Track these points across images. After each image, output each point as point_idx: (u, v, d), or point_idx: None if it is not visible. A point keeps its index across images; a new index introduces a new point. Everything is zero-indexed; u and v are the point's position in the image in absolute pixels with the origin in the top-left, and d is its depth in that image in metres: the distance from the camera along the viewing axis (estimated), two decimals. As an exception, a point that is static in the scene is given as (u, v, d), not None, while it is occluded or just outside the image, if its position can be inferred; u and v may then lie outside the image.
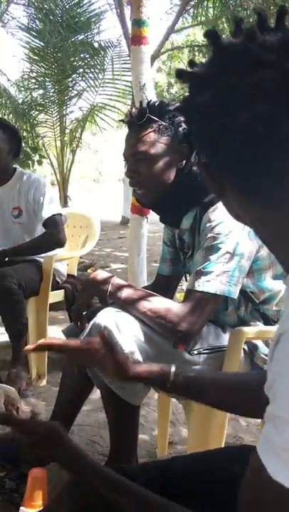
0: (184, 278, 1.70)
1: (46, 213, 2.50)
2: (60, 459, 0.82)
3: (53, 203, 2.55)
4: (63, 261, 2.75)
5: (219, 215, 1.36)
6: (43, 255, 2.57)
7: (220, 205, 1.37)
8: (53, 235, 2.49)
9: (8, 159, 2.55)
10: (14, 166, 2.66)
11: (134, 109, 1.48)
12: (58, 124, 7.56)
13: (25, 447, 0.85)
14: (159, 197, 1.49)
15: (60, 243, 2.51)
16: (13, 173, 2.60)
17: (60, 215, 2.55)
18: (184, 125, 1.44)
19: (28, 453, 0.88)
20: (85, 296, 1.49)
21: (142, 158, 1.44)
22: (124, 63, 6.60)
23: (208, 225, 1.36)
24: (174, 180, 1.46)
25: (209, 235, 1.35)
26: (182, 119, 1.45)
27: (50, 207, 2.51)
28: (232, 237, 1.33)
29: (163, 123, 1.43)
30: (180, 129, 1.44)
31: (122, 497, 0.75)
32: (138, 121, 1.44)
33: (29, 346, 1.13)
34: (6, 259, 2.43)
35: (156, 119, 1.43)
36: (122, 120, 1.52)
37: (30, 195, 2.52)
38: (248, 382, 0.95)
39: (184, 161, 1.46)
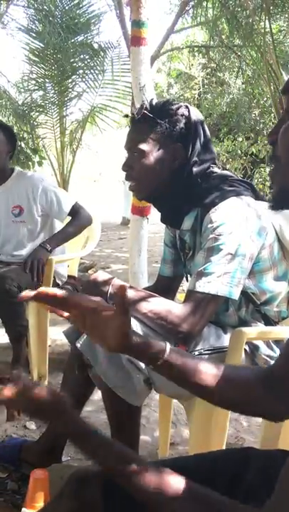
0: (185, 279, 1.70)
1: (66, 208, 2.58)
2: (62, 428, 0.82)
3: (63, 196, 2.62)
4: (64, 262, 2.76)
5: (221, 216, 1.36)
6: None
7: (221, 206, 1.37)
8: (81, 217, 2.61)
9: (6, 160, 2.57)
10: (11, 167, 2.66)
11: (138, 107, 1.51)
12: (58, 125, 7.56)
13: (25, 411, 0.84)
14: (153, 193, 1.52)
15: (90, 221, 2.67)
16: (11, 173, 2.61)
17: (76, 202, 2.65)
18: (181, 124, 1.45)
19: (27, 414, 0.86)
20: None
21: (135, 153, 1.48)
22: (124, 64, 6.60)
23: (209, 225, 1.36)
24: (174, 181, 1.47)
25: (211, 236, 1.34)
26: (181, 118, 1.45)
27: (65, 201, 2.60)
28: (233, 238, 1.33)
29: (159, 121, 1.44)
30: (176, 128, 1.44)
31: (138, 470, 0.72)
32: (136, 117, 1.47)
33: (25, 294, 0.96)
34: (49, 248, 2.48)
35: (152, 116, 1.44)
36: (126, 115, 1.55)
37: (37, 197, 2.54)
38: (245, 377, 0.92)
39: (178, 161, 1.46)
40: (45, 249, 2.47)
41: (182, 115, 1.45)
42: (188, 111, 1.47)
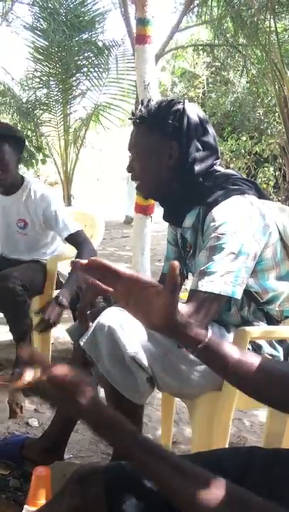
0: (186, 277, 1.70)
1: (70, 228, 2.44)
2: (92, 421, 0.78)
3: (71, 220, 2.50)
4: (67, 261, 2.76)
5: (223, 215, 1.35)
6: (48, 254, 2.58)
7: (224, 204, 1.37)
8: (84, 254, 2.34)
9: (16, 170, 2.49)
10: (22, 175, 2.58)
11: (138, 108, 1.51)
12: (62, 123, 7.57)
13: (50, 398, 0.80)
14: (155, 191, 1.54)
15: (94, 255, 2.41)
16: (22, 183, 2.53)
17: (78, 231, 2.48)
18: (175, 122, 1.43)
19: (51, 402, 0.81)
20: (90, 295, 1.49)
21: (134, 154, 1.51)
22: (128, 62, 6.61)
23: (212, 224, 1.36)
24: (175, 179, 1.47)
25: (213, 235, 1.34)
26: (175, 115, 1.43)
27: (72, 223, 2.47)
28: (236, 237, 1.32)
29: (153, 120, 1.44)
30: (170, 126, 1.43)
31: (184, 477, 0.71)
32: (134, 119, 1.49)
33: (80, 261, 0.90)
34: (66, 304, 2.24)
35: (146, 116, 1.45)
36: (130, 118, 1.55)
37: (40, 212, 2.46)
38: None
39: (173, 159, 1.45)
40: (59, 306, 2.23)
41: (177, 112, 1.44)
42: (184, 108, 1.45)
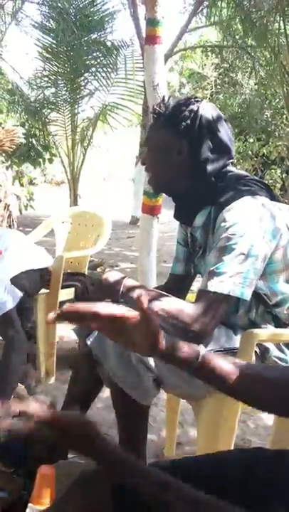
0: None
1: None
2: (93, 456, 0.78)
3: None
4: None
5: (234, 216, 1.34)
6: (50, 258, 2.54)
7: (235, 205, 1.36)
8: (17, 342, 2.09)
9: None
10: None
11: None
12: (70, 122, 7.58)
13: (50, 442, 0.83)
14: (164, 187, 1.58)
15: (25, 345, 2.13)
16: None
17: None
18: (188, 121, 1.43)
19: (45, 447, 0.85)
20: (98, 297, 1.48)
21: (147, 147, 1.57)
22: (137, 63, 6.61)
23: (222, 224, 1.35)
24: (185, 177, 1.47)
25: (223, 235, 1.33)
26: (188, 114, 1.43)
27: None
28: (247, 238, 1.32)
29: (168, 117, 1.45)
30: (182, 124, 1.43)
31: (172, 496, 0.73)
32: (152, 113, 1.52)
33: (51, 316, 0.95)
34: None
35: (162, 112, 1.47)
36: (151, 112, 1.58)
37: None
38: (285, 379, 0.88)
39: (181, 157, 1.45)
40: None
41: (191, 111, 1.43)
42: (198, 107, 1.44)
